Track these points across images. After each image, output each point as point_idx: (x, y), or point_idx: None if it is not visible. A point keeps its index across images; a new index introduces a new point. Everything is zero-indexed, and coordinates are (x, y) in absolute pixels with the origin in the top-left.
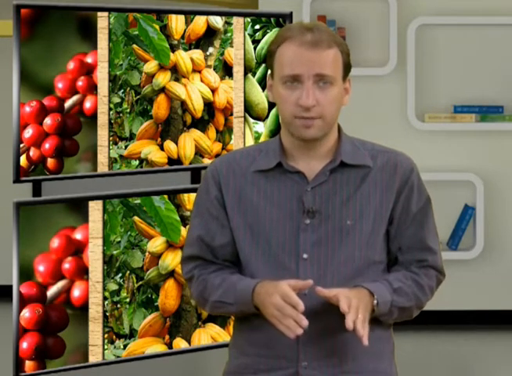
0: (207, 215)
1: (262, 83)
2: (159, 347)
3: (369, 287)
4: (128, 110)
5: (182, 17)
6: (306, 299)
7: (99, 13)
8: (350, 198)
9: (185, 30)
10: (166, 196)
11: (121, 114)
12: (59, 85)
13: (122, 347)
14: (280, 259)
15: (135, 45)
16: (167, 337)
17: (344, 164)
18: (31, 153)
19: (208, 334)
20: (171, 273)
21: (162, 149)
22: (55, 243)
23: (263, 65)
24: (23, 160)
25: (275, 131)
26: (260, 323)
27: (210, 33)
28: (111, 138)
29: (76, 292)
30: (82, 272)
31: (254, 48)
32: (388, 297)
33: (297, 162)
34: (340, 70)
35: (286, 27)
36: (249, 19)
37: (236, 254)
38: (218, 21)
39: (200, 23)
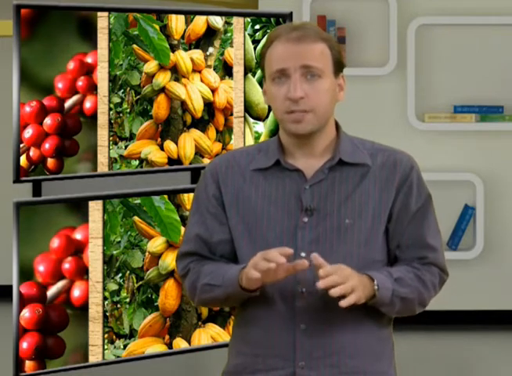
0: (206, 212)
1: (262, 83)
2: (159, 347)
3: (370, 273)
4: (128, 110)
5: (182, 17)
6: (304, 297)
7: (99, 13)
8: (349, 196)
9: (185, 30)
10: (166, 196)
11: (121, 114)
12: (59, 85)
13: (122, 347)
14: None
15: (135, 45)
16: (167, 337)
17: (343, 162)
18: (31, 153)
19: (208, 334)
20: (171, 273)
21: (162, 149)
22: (55, 243)
23: None
24: (23, 160)
25: (275, 131)
26: (258, 323)
27: (210, 33)
28: (111, 138)
29: (76, 292)
30: (82, 272)
31: (254, 48)
32: (390, 285)
33: (296, 160)
34: (330, 65)
35: (274, 29)
36: (249, 19)
37: (234, 251)
38: (218, 21)
39: (200, 23)
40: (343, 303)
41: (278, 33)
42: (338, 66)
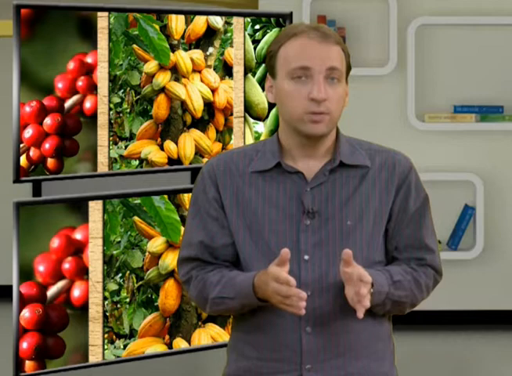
0: (206, 215)
1: (262, 83)
2: (159, 347)
3: (372, 275)
4: (128, 110)
5: (182, 17)
6: (310, 300)
7: (99, 13)
8: (349, 198)
9: (185, 30)
10: (166, 196)
11: (121, 114)
12: (59, 85)
13: (122, 347)
14: None
15: (135, 45)
16: (167, 337)
17: (343, 164)
18: (31, 153)
19: (208, 334)
20: (171, 273)
21: (162, 149)
22: (55, 243)
23: (263, 65)
24: (23, 160)
25: (275, 131)
26: (262, 327)
27: (210, 33)
28: (111, 138)
29: (76, 292)
30: (82, 272)
31: (254, 48)
32: (386, 288)
33: (296, 162)
34: (345, 69)
35: (289, 26)
36: (249, 19)
37: (237, 254)
38: (218, 21)
39: (200, 23)
40: (361, 314)
41: (296, 30)
42: (348, 71)
